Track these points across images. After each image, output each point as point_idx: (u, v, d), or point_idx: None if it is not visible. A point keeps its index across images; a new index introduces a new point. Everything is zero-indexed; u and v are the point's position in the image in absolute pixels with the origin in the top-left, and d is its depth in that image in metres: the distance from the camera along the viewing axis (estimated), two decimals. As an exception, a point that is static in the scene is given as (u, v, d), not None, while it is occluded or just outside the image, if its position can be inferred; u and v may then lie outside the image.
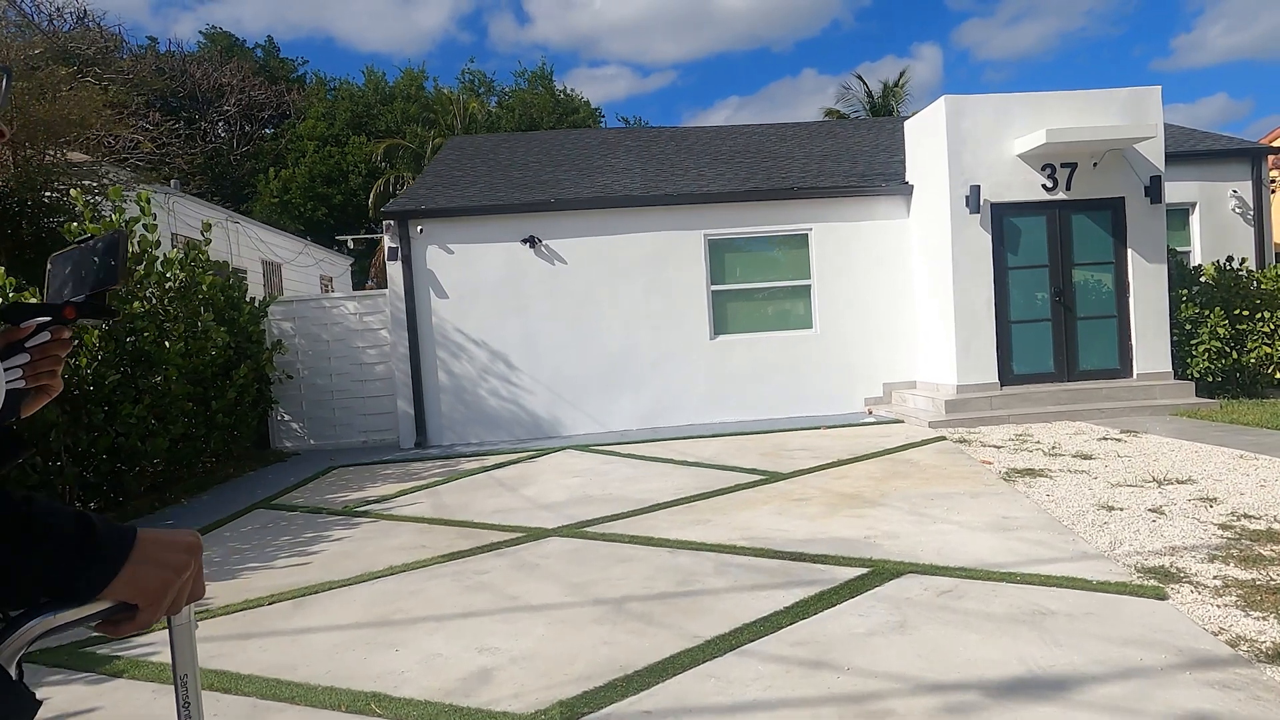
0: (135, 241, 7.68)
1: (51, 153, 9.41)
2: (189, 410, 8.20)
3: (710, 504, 6.26)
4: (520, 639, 3.75)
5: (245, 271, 14.40)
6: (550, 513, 6.31)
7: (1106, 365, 10.06)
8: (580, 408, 10.89)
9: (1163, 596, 3.75)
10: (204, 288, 8.77)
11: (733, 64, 66.86)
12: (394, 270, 10.71)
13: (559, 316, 10.87)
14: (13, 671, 0.83)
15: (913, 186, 10.98)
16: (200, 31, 37.05)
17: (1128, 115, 9.79)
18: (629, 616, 3.96)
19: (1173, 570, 4.10)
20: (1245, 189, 12.22)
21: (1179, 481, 6.02)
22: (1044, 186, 9.86)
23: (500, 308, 10.80)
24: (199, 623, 4.41)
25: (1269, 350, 10.22)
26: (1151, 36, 68.91)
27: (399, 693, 3.25)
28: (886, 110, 27.10)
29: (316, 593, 4.65)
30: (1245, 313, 10.33)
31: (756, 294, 11.30)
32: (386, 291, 10.90)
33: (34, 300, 6.26)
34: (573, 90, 35.51)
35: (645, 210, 10.97)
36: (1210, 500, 5.43)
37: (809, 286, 11.16)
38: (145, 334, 7.58)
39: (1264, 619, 3.43)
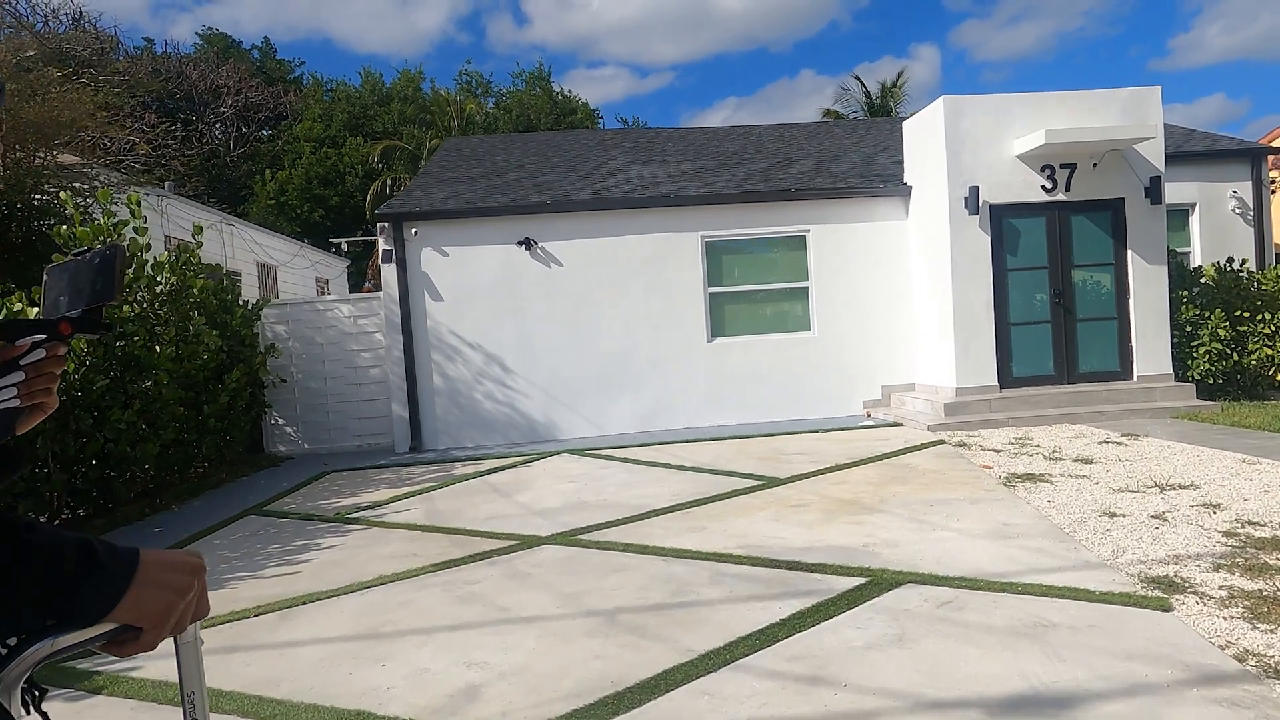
0: (119, 240, 7.56)
1: (42, 155, 9.32)
2: (180, 415, 8.10)
3: (706, 510, 6.17)
4: (510, 653, 3.67)
5: (239, 274, 14.32)
6: (544, 519, 6.22)
7: (1107, 367, 9.99)
8: (576, 411, 10.80)
9: (1167, 608, 3.67)
10: (195, 291, 8.67)
11: (731, 65, 66.86)
12: (388, 273, 10.62)
13: (555, 319, 10.78)
14: (17, 693, 0.85)
15: (911, 187, 10.90)
16: (197, 33, 36.98)
17: (1127, 116, 9.72)
18: (622, 629, 3.88)
19: (1177, 580, 4.02)
20: (1245, 189, 12.15)
21: (1181, 487, 5.94)
22: (1043, 187, 9.78)
23: (496, 310, 10.71)
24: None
25: (1270, 352, 10.15)
26: (1149, 37, 68.98)
27: (384, 710, 3.16)
28: (885, 111, 27.03)
29: (304, 604, 4.56)
30: (1246, 314, 10.26)
31: (754, 296, 11.22)
32: (381, 294, 10.81)
33: (24, 314, 6.18)
34: (570, 91, 35.45)
35: (642, 212, 10.89)
36: (1214, 506, 5.35)
37: (807, 288, 11.09)
38: (135, 338, 7.49)
39: (1272, 632, 3.35)
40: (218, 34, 33.72)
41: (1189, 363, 10.24)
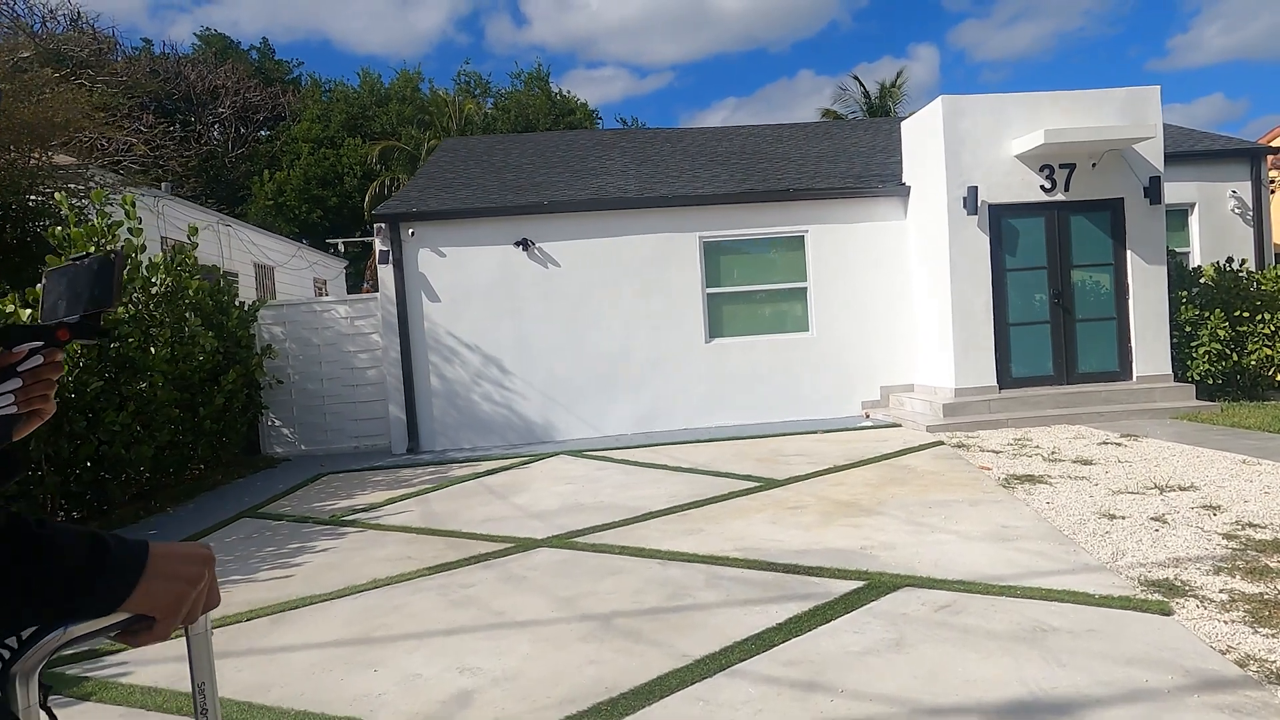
0: (118, 246, 7.54)
1: (37, 156, 9.27)
2: (175, 417, 8.06)
3: (703, 512, 6.13)
4: (504, 658, 3.63)
5: (236, 275, 14.26)
6: (540, 522, 6.18)
7: (1106, 368, 9.95)
8: (574, 412, 10.77)
9: (1167, 612, 3.63)
10: (191, 292, 8.63)
11: (730, 65, 66.85)
12: (385, 273, 10.59)
13: (553, 320, 10.74)
14: (34, 681, 0.87)
15: (910, 188, 10.87)
16: (194, 33, 36.92)
17: (1126, 115, 9.69)
18: (617, 633, 3.84)
19: (1177, 583, 3.98)
20: (1244, 189, 12.12)
21: (1181, 488, 5.90)
22: (1042, 187, 9.75)
23: (493, 311, 10.67)
24: (179, 636, 4.29)
25: (1269, 352, 10.11)
26: (1148, 37, 69.00)
27: (374, 718, 3.12)
28: (884, 111, 27.00)
29: (297, 608, 4.52)
30: (1245, 314, 10.23)
31: (752, 296, 11.18)
32: (378, 295, 10.77)
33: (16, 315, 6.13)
34: (568, 92, 35.42)
35: (640, 212, 10.85)
36: (1214, 508, 5.31)
37: (805, 289, 11.05)
38: (130, 340, 7.45)
39: (1274, 636, 3.31)
40: (216, 34, 33.68)
41: (1188, 363, 10.20)
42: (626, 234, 10.82)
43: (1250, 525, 4.88)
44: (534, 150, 13.90)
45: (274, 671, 3.65)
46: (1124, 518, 5.22)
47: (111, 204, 8.77)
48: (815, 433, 9.70)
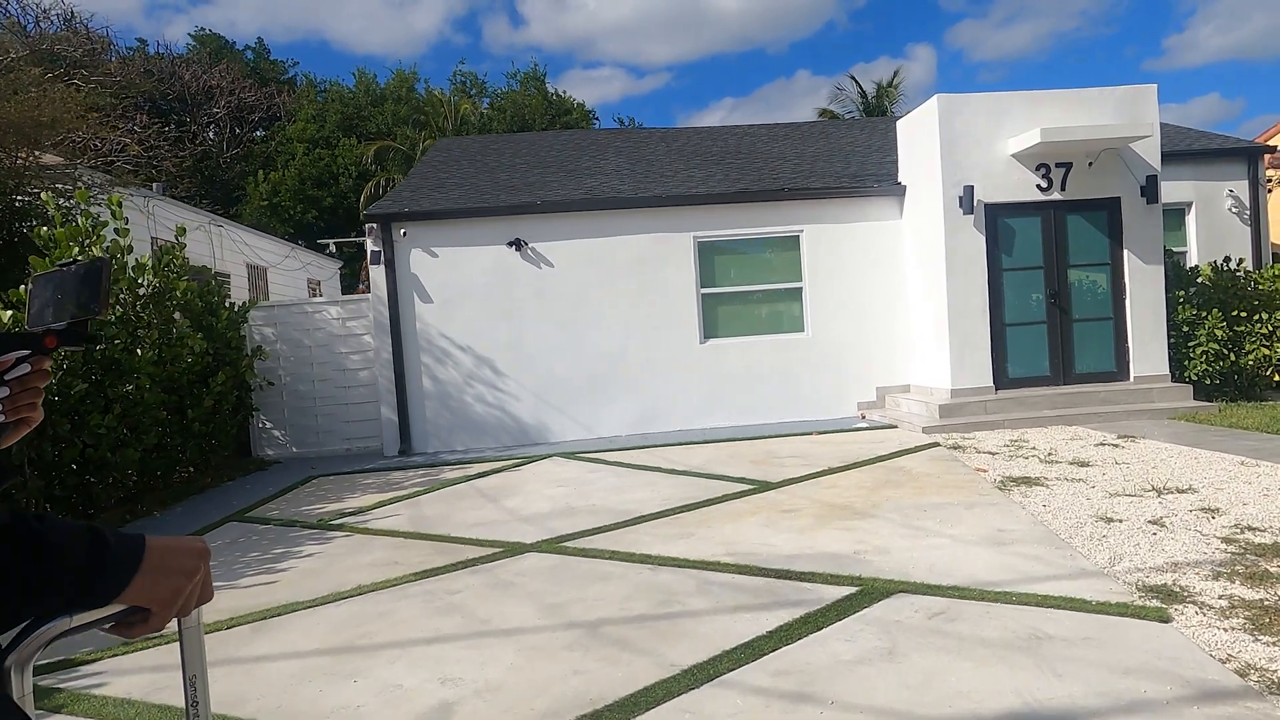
0: (104, 247, 7.44)
1: (23, 155, 9.16)
2: (163, 419, 7.97)
3: (696, 516, 6.05)
4: (487, 667, 3.54)
5: (228, 276, 14.17)
6: (531, 526, 6.10)
7: (1103, 368, 9.89)
8: (568, 413, 10.68)
9: (1166, 619, 3.55)
10: (179, 293, 8.54)
11: (727, 65, 66.79)
12: (377, 274, 10.49)
13: (546, 320, 10.66)
14: (29, 670, 0.88)
15: (905, 187, 10.79)
16: (189, 34, 36.73)
17: (1123, 114, 9.62)
18: (604, 642, 3.75)
19: (1176, 589, 3.90)
20: (1242, 188, 12.07)
21: (1179, 490, 5.83)
22: (1038, 186, 9.68)
23: (486, 312, 10.58)
24: (155, 646, 4.20)
25: (1267, 352, 10.05)
26: (1144, 37, 69.06)
27: (352, 731, 3.04)
28: (880, 111, 26.94)
29: (280, 615, 4.43)
30: (1243, 314, 10.16)
31: (748, 297, 11.10)
32: (370, 296, 10.68)
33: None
34: (564, 92, 35.31)
35: (634, 212, 10.76)
36: (1212, 511, 5.24)
37: (801, 289, 10.97)
38: (116, 341, 7.35)
39: (1274, 644, 3.23)
40: (210, 34, 33.54)
41: (1186, 363, 10.14)
42: (621, 234, 10.74)
43: (1249, 529, 4.81)
44: (528, 150, 13.82)
45: (252, 683, 3.56)
46: (1121, 521, 5.14)
47: (98, 204, 8.66)
48: (811, 434, 9.62)
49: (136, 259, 8.06)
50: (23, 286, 6.67)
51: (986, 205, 9.61)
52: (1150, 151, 9.72)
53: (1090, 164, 9.65)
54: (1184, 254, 11.84)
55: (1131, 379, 9.78)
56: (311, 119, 30.09)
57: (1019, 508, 5.63)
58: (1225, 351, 10.07)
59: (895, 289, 10.91)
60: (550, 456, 9.33)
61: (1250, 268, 11.53)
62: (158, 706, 3.35)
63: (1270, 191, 13.54)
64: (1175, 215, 11.86)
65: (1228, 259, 10.70)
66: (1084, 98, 9.64)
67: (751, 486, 6.92)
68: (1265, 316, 10.12)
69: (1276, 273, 10.44)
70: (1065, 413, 9.23)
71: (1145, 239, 9.80)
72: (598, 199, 10.87)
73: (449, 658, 3.68)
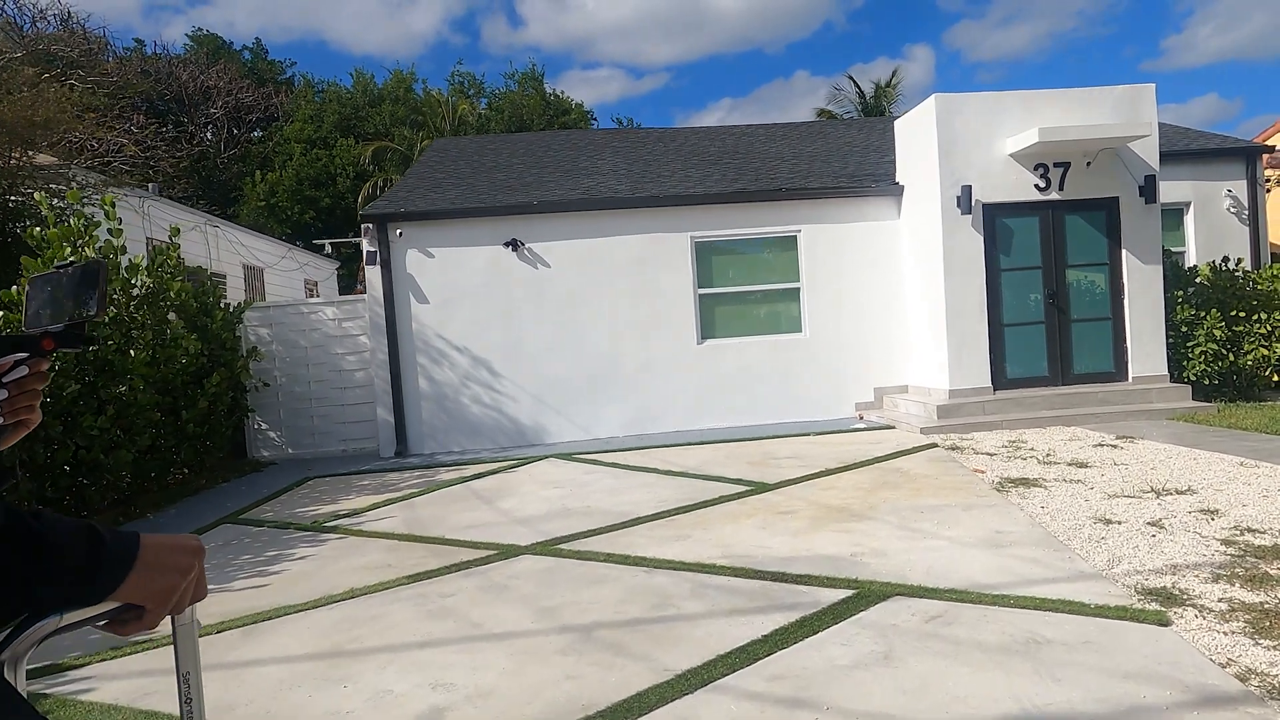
0: (97, 248, 7.39)
1: (16, 155, 9.11)
2: (157, 421, 7.93)
3: (692, 518, 6.01)
4: (479, 672, 3.50)
5: (224, 276, 14.13)
6: (526, 528, 6.05)
7: (1101, 368, 9.85)
8: (564, 414, 10.64)
9: (1165, 622, 3.51)
10: (172, 294, 8.49)
11: (725, 66, 66.77)
12: (373, 275, 10.45)
13: (543, 321, 10.61)
14: (23, 667, 0.87)
15: (903, 187, 10.76)
16: (186, 34, 36.68)
17: (1121, 113, 9.59)
18: (598, 646, 3.71)
19: (1175, 592, 3.86)
20: (1240, 188, 12.04)
21: (1178, 492, 5.79)
22: (1037, 186, 9.64)
23: (482, 312, 10.54)
24: (143, 650, 4.16)
25: (1266, 352, 10.02)
26: (1142, 37, 69.09)
27: (340, 738, 3.00)
28: (879, 111, 26.91)
29: (270, 619, 4.39)
30: (1242, 314, 10.13)
31: (745, 297, 11.07)
32: (366, 297, 10.63)
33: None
34: (563, 93, 35.26)
35: (631, 212, 10.72)
36: (1212, 512, 5.20)
37: (798, 289, 10.93)
38: (109, 342, 7.31)
39: (1275, 649, 3.19)
40: (208, 35, 33.48)
41: (1184, 363, 10.11)
42: (617, 234, 10.70)
43: (1249, 530, 4.77)
44: (524, 150, 13.78)
45: (240, 688, 3.52)
46: (1120, 523, 5.11)
47: (92, 205, 8.61)
48: (808, 435, 9.58)
49: (130, 259, 8.01)
50: (14, 287, 6.62)
51: (984, 205, 9.58)
52: (1149, 151, 9.69)
53: (1088, 164, 9.62)
54: (1182, 254, 11.81)
55: (1130, 379, 9.74)
56: (309, 119, 30.03)
57: (1017, 509, 5.59)
58: (1224, 352, 10.03)
59: (893, 289, 10.87)
60: (546, 458, 9.28)
61: (1249, 267, 11.50)
62: (144, 713, 3.31)
63: (1269, 191, 13.52)
64: (1174, 215, 11.83)
65: (1226, 259, 10.67)
66: (1082, 97, 9.61)
67: (748, 488, 6.88)
68: (1264, 316, 10.09)
69: (1275, 272, 10.41)
70: (1063, 413, 9.19)
71: (1144, 239, 9.77)
72: (595, 199, 10.83)
73: (440, 662, 3.64)
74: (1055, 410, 9.26)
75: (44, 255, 6.82)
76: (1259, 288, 10.34)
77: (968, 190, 9.44)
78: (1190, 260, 11.73)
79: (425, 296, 10.48)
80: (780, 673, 3.28)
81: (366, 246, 10.43)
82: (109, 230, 7.65)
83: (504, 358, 10.57)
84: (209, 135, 29.50)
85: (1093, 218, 9.80)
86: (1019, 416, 9.18)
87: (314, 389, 10.84)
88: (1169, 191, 10.86)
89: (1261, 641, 3.27)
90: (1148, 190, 9.68)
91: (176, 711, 3.27)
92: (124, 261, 7.86)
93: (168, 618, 0.96)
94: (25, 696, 0.89)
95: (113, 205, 7.76)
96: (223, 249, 14.50)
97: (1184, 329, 10.09)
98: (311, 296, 18.81)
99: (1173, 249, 11.33)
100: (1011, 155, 9.53)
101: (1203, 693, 2.89)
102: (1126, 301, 9.75)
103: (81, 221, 7.18)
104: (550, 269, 10.62)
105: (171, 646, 1.02)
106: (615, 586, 4.52)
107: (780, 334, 10.96)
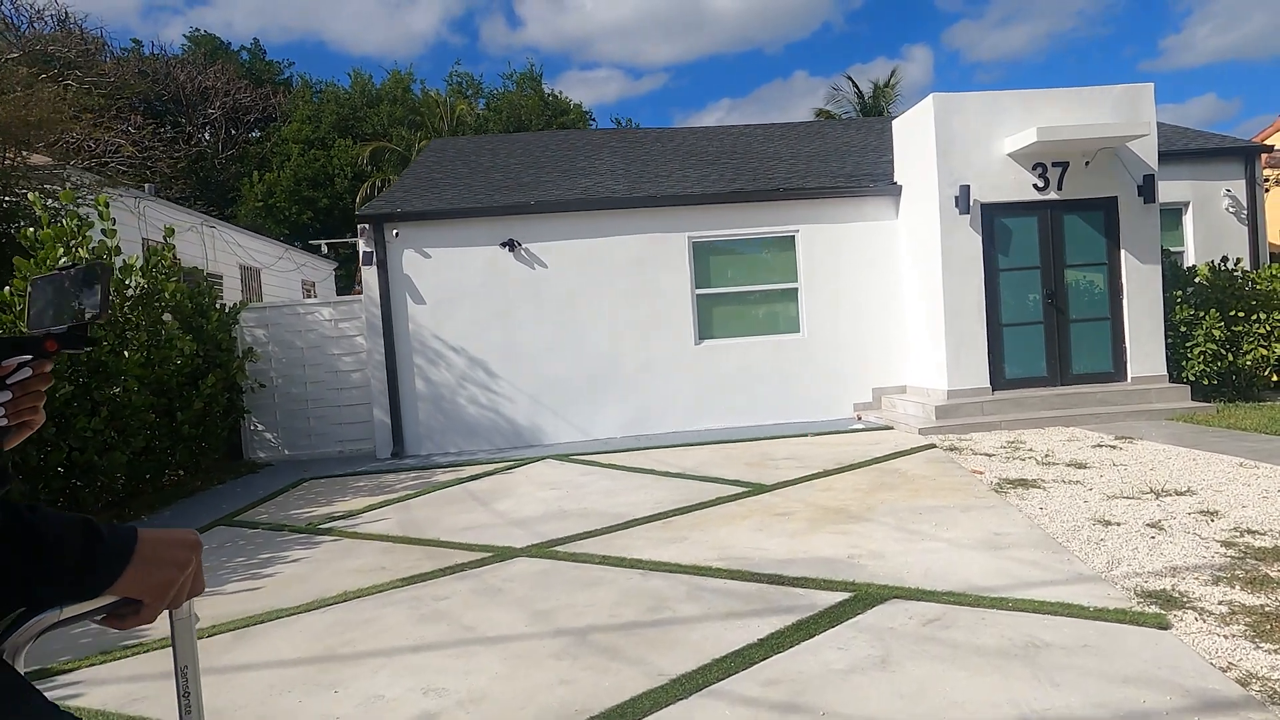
0: (90, 248, 7.35)
1: (10, 155, 9.07)
2: (151, 422, 7.89)
3: (689, 519, 5.97)
4: (472, 677, 3.46)
5: (221, 277, 14.08)
6: (521, 530, 6.02)
7: (1100, 369, 9.82)
8: (562, 415, 10.60)
9: (1165, 625, 3.48)
10: (167, 295, 8.45)
11: (724, 66, 66.75)
12: (369, 275, 10.41)
13: (540, 322, 10.58)
14: (23, 658, 0.88)
15: (901, 187, 10.73)
16: (184, 34, 36.59)
17: (1120, 113, 9.56)
18: (592, 650, 3.68)
19: (1175, 594, 3.83)
20: (1239, 188, 12.01)
21: (1178, 493, 5.76)
22: (1035, 186, 9.61)
23: (479, 313, 10.50)
24: (133, 655, 4.12)
25: (1265, 352, 9.99)
26: (1141, 37, 69.10)
27: (330, 744, 2.96)
28: (877, 111, 26.89)
29: (262, 622, 4.35)
30: (1241, 314, 10.11)
31: (743, 297, 11.03)
32: (362, 297, 10.59)
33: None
34: (561, 93, 35.23)
35: (628, 212, 10.69)
36: (1211, 514, 5.17)
37: (796, 289, 10.90)
38: (103, 343, 7.26)
39: (1276, 652, 3.16)
40: (205, 35, 33.42)
41: (1183, 364, 10.08)
42: (615, 234, 10.66)
43: (1249, 532, 4.74)
44: (522, 150, 13.74)
45: (230, 693, 3.48)
46: (1119, 524, 5.07)
47: (86, 205, 8.57)
48: (806, 436, 9.55)
49: (124, 260, 7.97)
50: (7, 289, 6.58)
51: (983, 205, 9.55)
52: (1147, 151, 9.66)
53: (1087, 163, 9.59)
54: (1181, 254, 11.79)
55: (1129, 379, 9.72)
56: (307, 120, 29.98)
57: (1015, 510, 5.56)
58: (1223, 352, 10.01)
59: (891, 289, 10.84)
60: (544, 459, 9.25)
61: (1248, 267, 11.47)
62: (134, 718, 3.26)
63: (1267, 191, 13.50)
64: (1172, 215, 11.81)
65: (1225, 259, 10.65)
66: (1081, 97, 9.59)
67: (746, 489, 6.84)
68: (1263, 316, 10.07)
69: (1274, 272, 10.39)
70: (1062, 414, 9.16)
71: (1142, 239, 9.74)
72: (592, 199, 10.79)
73: (433, 667, 3.60)
74: (1054, 411, 9.23)
75: (37, 256, 6.77)
76: (1258, 287, 10.32)
77: (966, 190, 9.41)
78: (1189, 260, 11.70)
79: (422, 297, 10.44)
80: (776, 677, 3.25)
81: (363, 247, 10.39)
82: (103, 231, 7.61)
83: (501, 358, 10.53)
84: (206, 136, 29.44)
85: (1091, 217, 9.78)
86: (1017, 417, 9.15)
87: (310, 390, 10.80)
88: (1168, 191, 10.83)
89: (1263, 645, 3.24)
90: (1146, 190, 9.65)
91: (167, 716, 3.24)
92: (118, 262, 7.82)
93: (165, 611, 0.97)
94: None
95: (106, 206, 7.72)
96: (219, 249, 14.45)
97: (1183, 329, 10.06)
98: (309, 297, 18.77)
99: (1171, 249, 11.31)
100: (1010, 155, 9.50)
101: (1203, 697, 2.86)
102: (1125, 301, 9.72)
103: (74, 222, 7.14)
104: (547, 269, 10.58)
105: (165, 648, 1.01)
106: (611, 589, 4.48)
107: (778, 334, 10.93)
